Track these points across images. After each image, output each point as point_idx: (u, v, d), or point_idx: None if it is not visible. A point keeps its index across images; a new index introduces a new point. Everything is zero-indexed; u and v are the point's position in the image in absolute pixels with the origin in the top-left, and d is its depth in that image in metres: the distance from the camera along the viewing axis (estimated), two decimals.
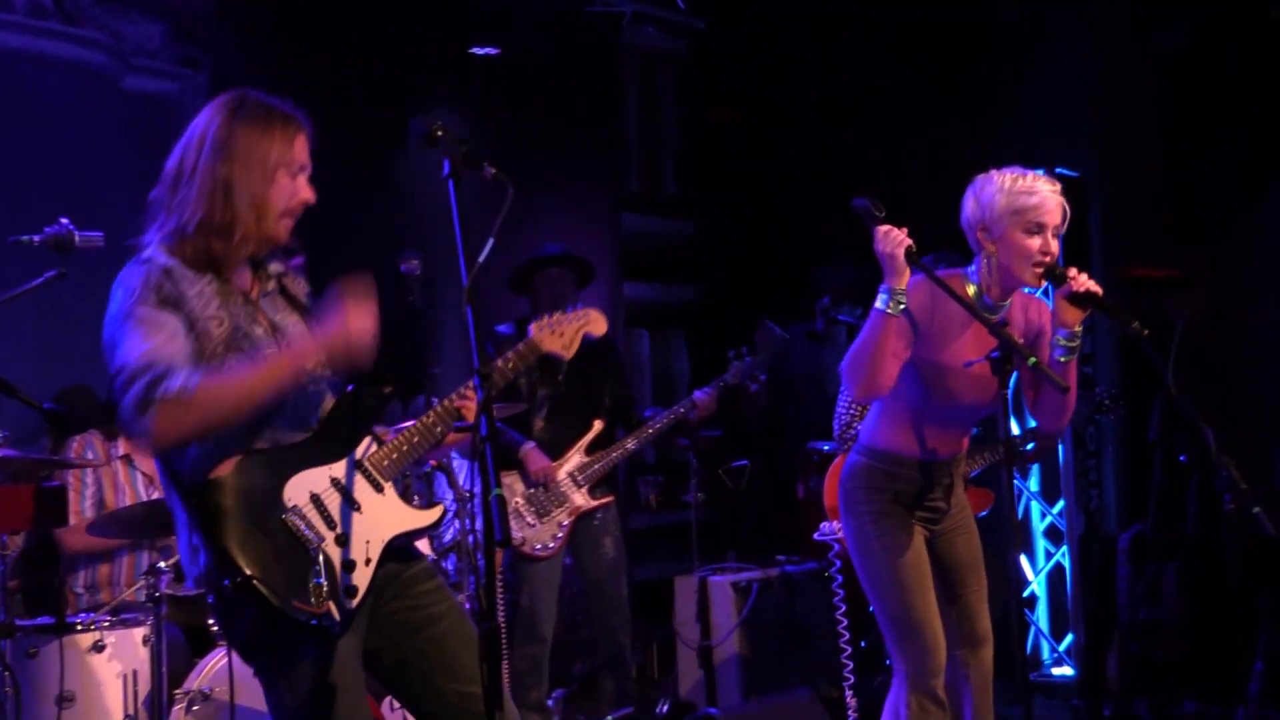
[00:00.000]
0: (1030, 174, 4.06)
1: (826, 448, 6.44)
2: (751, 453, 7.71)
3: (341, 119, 6.15)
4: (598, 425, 6.10)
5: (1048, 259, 3.99)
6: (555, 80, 8.12)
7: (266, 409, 3.11)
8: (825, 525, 5.64)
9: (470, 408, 3.29)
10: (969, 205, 4.11)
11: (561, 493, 5.95)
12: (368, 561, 3.19)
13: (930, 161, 7.48)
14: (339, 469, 3.22)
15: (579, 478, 5.99)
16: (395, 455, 3.30)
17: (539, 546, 5.87)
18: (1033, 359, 3.79)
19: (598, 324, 3.81)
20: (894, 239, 3.89)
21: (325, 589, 3.06)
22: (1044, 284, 4.05)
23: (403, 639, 3.28)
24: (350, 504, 3.20)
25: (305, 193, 3.22)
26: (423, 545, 5.56)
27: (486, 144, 7.01)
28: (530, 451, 5.94)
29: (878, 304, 3.94)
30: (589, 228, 8.11)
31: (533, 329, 3.68)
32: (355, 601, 3.13)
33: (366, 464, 3.27)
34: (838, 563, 5.74)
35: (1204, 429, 4.51)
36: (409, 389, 5.93)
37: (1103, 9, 7.79)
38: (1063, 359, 3.98)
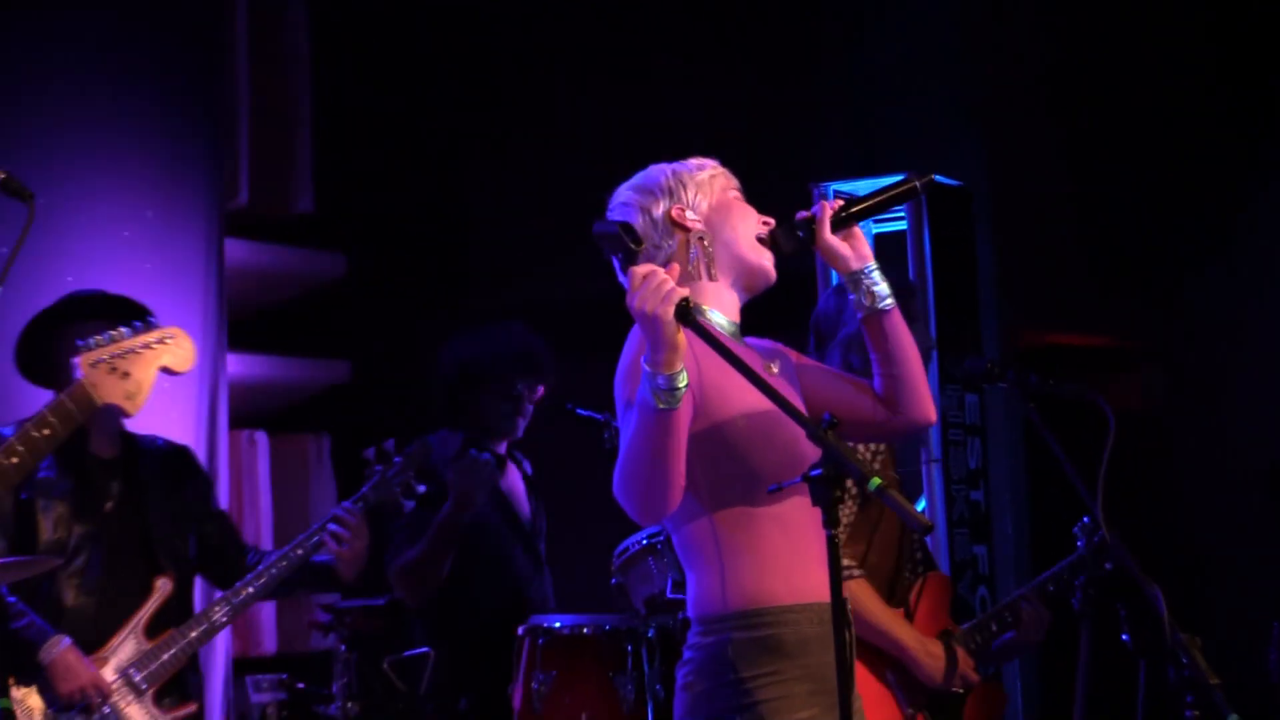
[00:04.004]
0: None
1: (563, 625, 6.65)
2: (438, 633, 7.53)
3: None
4: (162, 587, 6.01)
5: (769, 225, 4.35)
6: (112, 22, 7.97)
7: None
8: None
9: None
10: (641, 199, 4.41)
11: (112, 706, 5.84)
12: None
13: (735, 156, 7.75)
14: None
15: (136, 677, 5.89)
16: None
17: None
18: (875, 481, 3.70)
19: (179, 351, 3.99)
20: (657, 288, 3.80)
21: None
22: (769, 263, 4.38)
23: None
24: None
25: None
26: None
27: None
28: (60, 657, 5.75)
29: (645, 393, 3.85)
30: (169, 265, 7.99)
31: (81, 366, 3.82)
32: None
33: None
34: None
35: (1152, 589, 4.99)
36: None
37: None
38: (884, 305, 4.29)
